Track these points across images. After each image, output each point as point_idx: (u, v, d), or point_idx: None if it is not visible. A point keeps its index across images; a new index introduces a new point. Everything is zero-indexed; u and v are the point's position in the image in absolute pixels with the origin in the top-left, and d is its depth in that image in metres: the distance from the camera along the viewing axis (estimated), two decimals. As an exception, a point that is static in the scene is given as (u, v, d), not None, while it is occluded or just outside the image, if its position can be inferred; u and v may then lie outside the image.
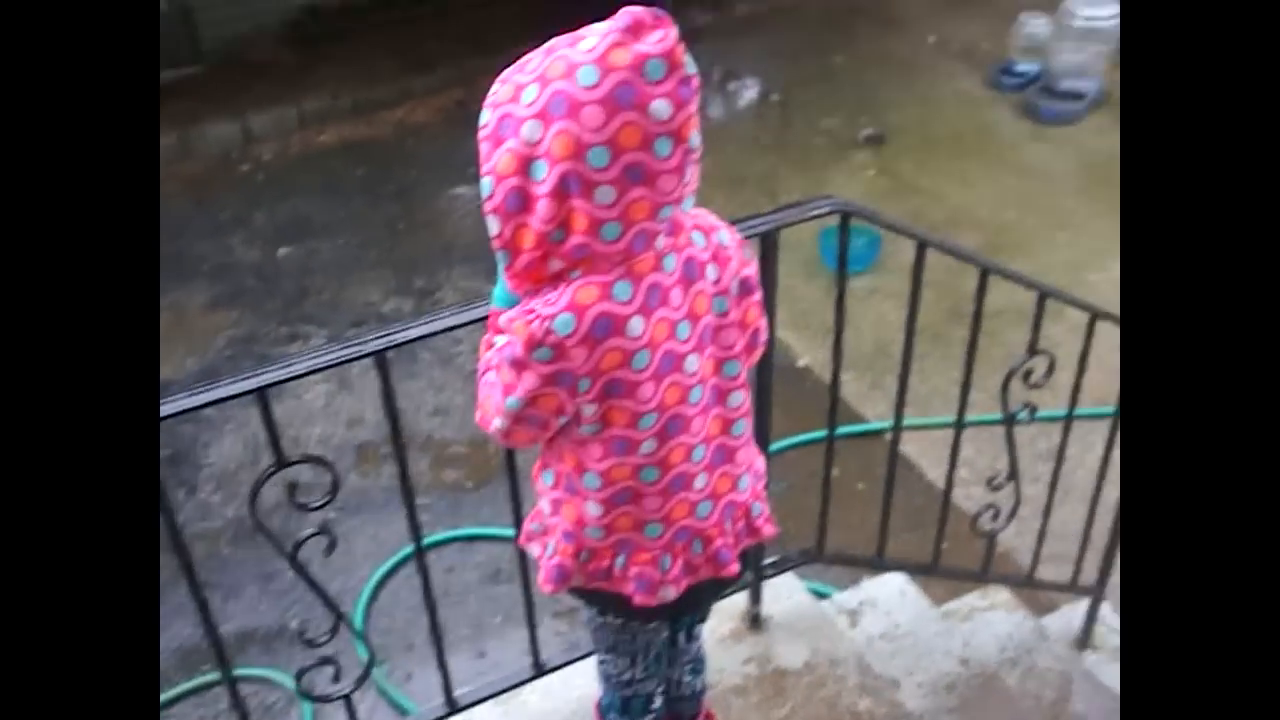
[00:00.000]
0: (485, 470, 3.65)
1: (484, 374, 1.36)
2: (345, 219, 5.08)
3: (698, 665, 1.85)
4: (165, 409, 1.58)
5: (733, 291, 1.34)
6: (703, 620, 1.79)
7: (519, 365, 1.25)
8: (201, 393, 1.60)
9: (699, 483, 1.40)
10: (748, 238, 1.81)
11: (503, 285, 1.34)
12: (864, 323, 4.06)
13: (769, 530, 1.51)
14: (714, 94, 6.07)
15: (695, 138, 1.19)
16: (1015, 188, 5.11)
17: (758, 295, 1.40)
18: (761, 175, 5.21)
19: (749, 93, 6.13)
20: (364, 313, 4.46)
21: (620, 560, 1.43)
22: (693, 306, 1.29)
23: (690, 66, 1.16)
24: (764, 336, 1.45)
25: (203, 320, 4.48)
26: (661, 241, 1.25)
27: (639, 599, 1.43)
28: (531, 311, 1.23)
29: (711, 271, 1.31)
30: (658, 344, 1.26)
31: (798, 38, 6.50)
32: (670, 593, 1.44)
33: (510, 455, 1.91)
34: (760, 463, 1.53)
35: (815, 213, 1.93)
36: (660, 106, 1.14)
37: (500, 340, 1.29)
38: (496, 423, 1.33)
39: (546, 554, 1.48)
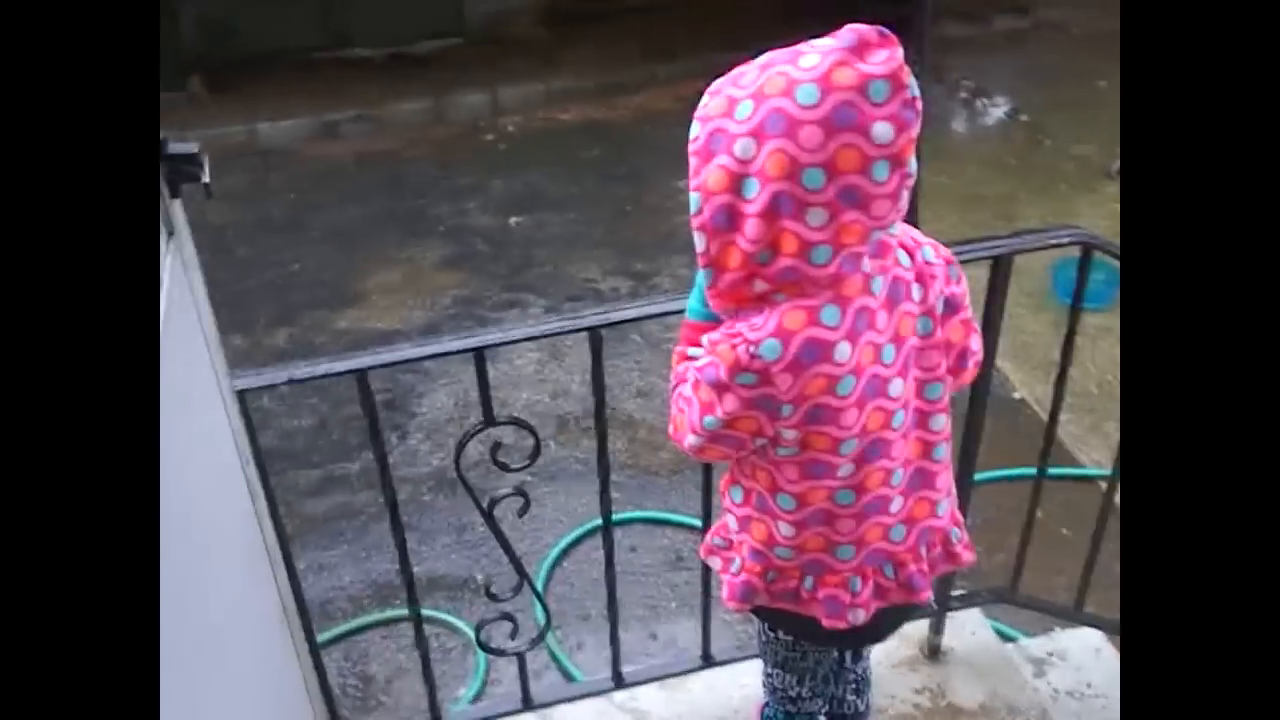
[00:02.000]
0: (680, 457, 3.69)
1: (677, 386, 1.34)
2: (576, 196, 5.24)
3: (861, 685, 1.82)
4: (390, 357, 1.69)
5: (938, 310, 1.29)
6: (877, 641, 1.75)
7: (720, 388, 1.22)
8: (425, 345, 1.70)
9: (895, 506, 1.36)
10: (978, 260, 1.75)
11: (700, 299, 1.33)
12: (1091, 362, 3.85)
13: (968, 557, 1.46)
14: (959, 109, 5.89)
15: (913, 162, 1.15)
16: None
17: (964, 314, 1.35)
18: (1000, 197, 5.02)
19: (997, 111, 5.92)
20: (582, 288, 4.59)
21: (809, 582, 1.40)
22: (898, 329, 1.25)
23: (914, 88, 1.12)
24: (976, 357, 1.39)
25: (433, 277, 4.73)
26: (868, 264, 1.21)
27: (828, 621, 1.40)
28: (737, 335, 1.20)
29: (916, 291, 1.27)
30: (863, 369, 1.22)
31: (1058, 59, 6.21)
32: (860, 615, 1.40)
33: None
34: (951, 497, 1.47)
35: (1054, 241, 1.85)
36: (882, 129, 1.10)
37: (701, 358, 1.27)
38: (690, 440, 1.31)
39: (731, 569, 1.46)
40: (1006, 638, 2.52)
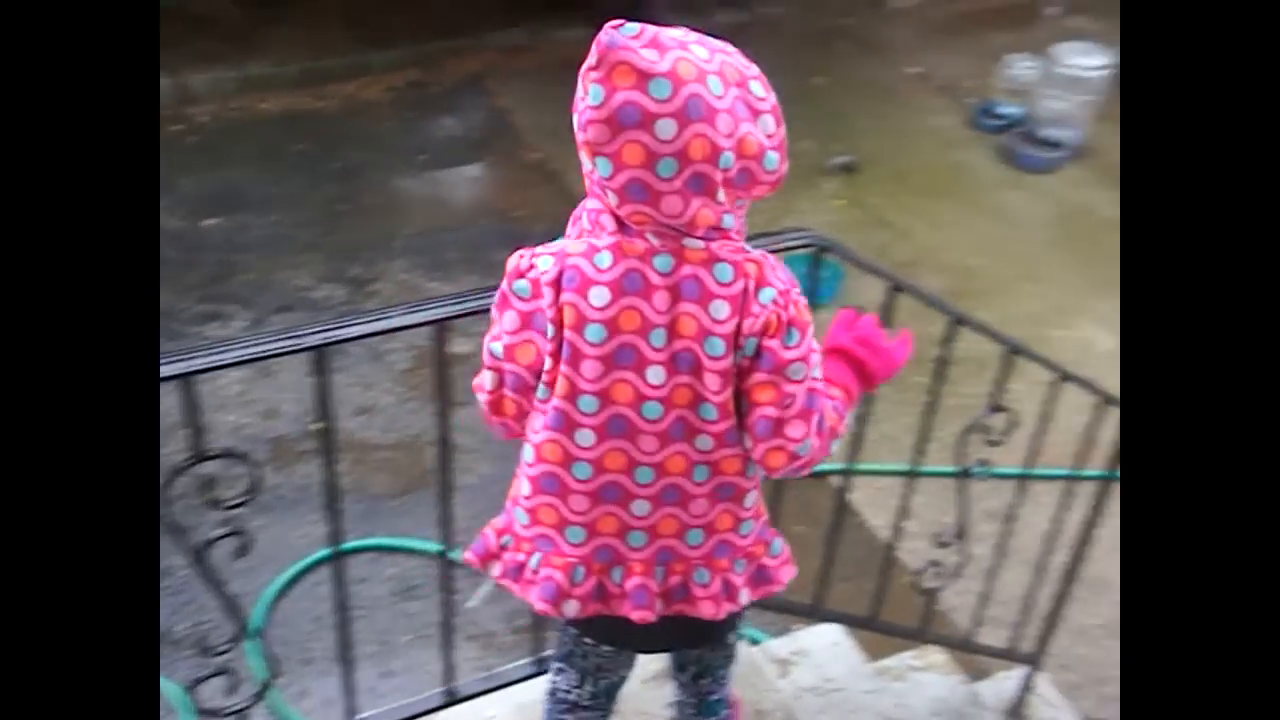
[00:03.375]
0: (409, 477, 3.62)
1: None
2: (281, 195, 5.02)
3: (704, 709, 1.82)
4: None
5: (742, 347, 1.32)
6: (704, 668, 1.77)
7: (502, 302, 1.36)
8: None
9: (638, 508, 1.41)
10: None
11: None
12: (819, 358, 4.11)
13: (706, 609, 1.48)
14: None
15: (721, 158, 1.26)
16: (985, 233, 5.22)
17: (779, 380, 1.33)
18: (726, 193, 5.25)
19: (720, 105, 6.19)
20: (292, 297, 4.42)
21: (535, 559, 1.47)
22: (677, 322, 1.31)
23: (715, 87, 1.24)
24: (789, 447, 1.36)
25: (115, 288, 4.40)
26: (655, 240, 1.29)
27: (540, 605, 1.46)
28: (528, 250, 1.36)
29: (720, 308, 1.31)
30: (619, 329, 1.31)
31: (776, 54, 6.56)
32: (572, 608, 1.46)
33: (444, 463, 1.89)
34: (742, 541, 1.48)
35: (789, 244, 1.96)
36: (664, 125, 1.23)
37: None
38: (479, 397, 1.45)
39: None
40: (752, 641, 2.65)
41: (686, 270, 1.30)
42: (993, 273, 4.93)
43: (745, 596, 1.51)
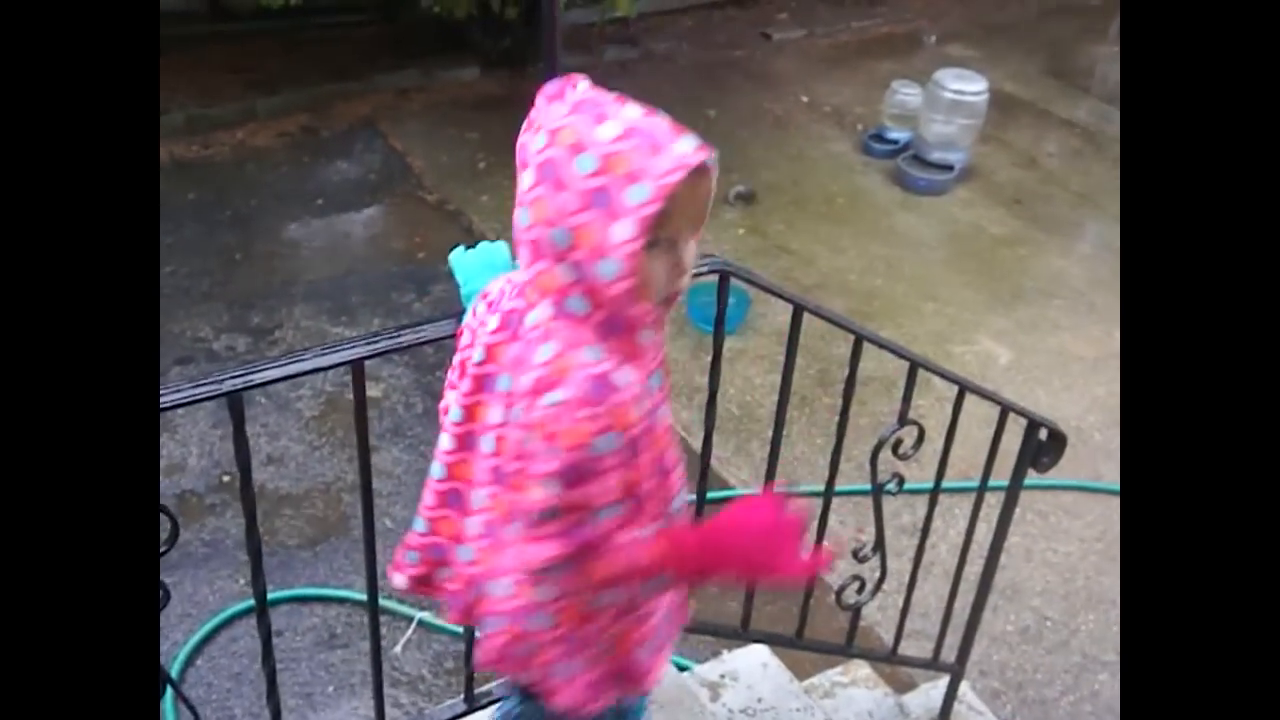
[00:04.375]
0: (322, 526, 3.58)
1: None
2: (174, 245, 4.94)
3: None
4: None
5: (484, 385, 1.37)
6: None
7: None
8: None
9: (429, 498, 1.49)
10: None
11: None
12: (730, 386, 4.18)
13: (452, 616, 1.59)
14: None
15: (518, 213, 1.26)
16: (883, 254, 5.38)
17: (531, 433, 1.24)
18: (628, 226, 5.32)
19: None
20: (192, 349, 4.34)
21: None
22: (473, 337, 1.40)
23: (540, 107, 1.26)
24: (531, 489, 1.26)
25: None
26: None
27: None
28: None
29: (477, 350, 1.37)
30: (458, 346, 1.45)
31: (669, 88, 6.70)
32: (399, 580, 1.55)
33: (369, 505, 1.88)
34: (499, 583, 1.37)
35: (695, 270, 2.01)
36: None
37: None
38: None
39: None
40: (681, 669, 2.68)
41: (491, 303, 1.40)
42: (893, 293, 5.08)
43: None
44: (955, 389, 2.45)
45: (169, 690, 2.13)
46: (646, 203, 1.17)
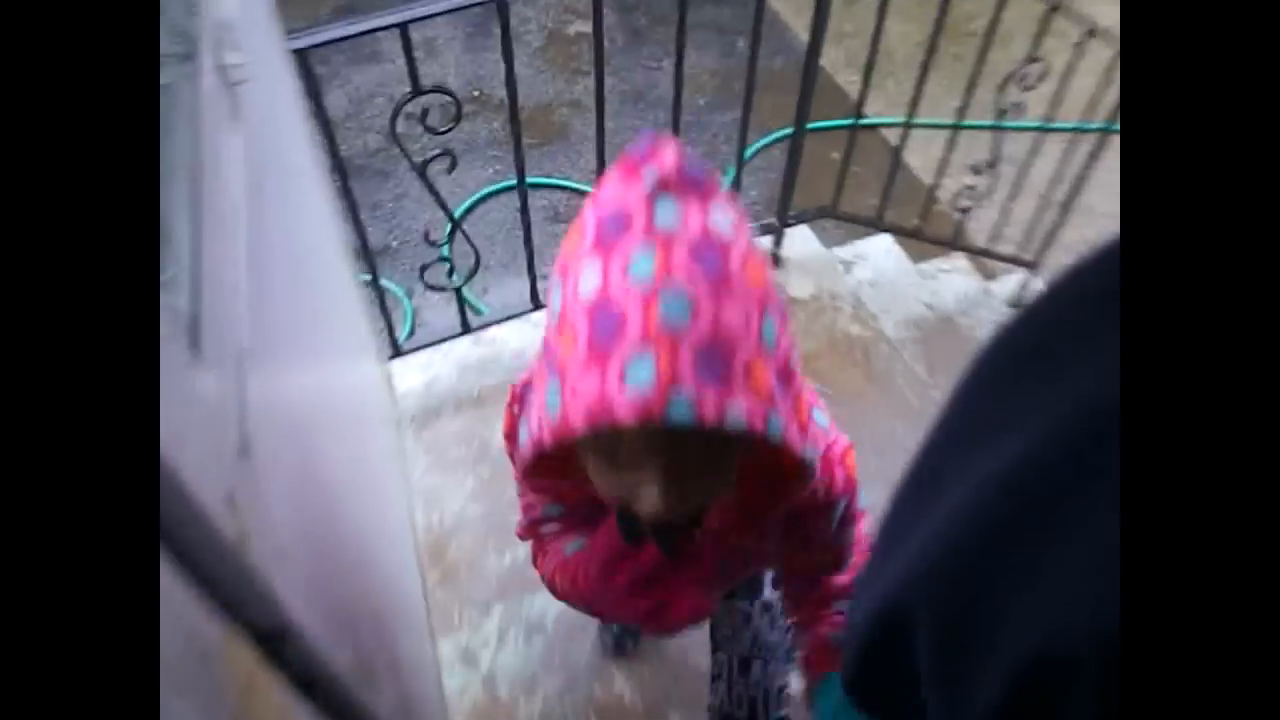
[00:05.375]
0: (548, 130, 3.84)
1: None
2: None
3: None
4: (317, 38, 1.73)
5: None
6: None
7: None
8: (350, 25, 1.76)
9: None
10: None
11: None
12: (867, 27, 4.06)
13: None
14: None
15: None
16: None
17: None
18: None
19: None
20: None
21: None
22: None
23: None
24: None
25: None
26: None
27: None
28: None
29: None
30: None
31: None
32: None
33: (601, 107, 2.05)
34: None
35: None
36: None
37: None
38: None
39: None
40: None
41: None
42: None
43: None
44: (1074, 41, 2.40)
45: (455, 232, 2.44)
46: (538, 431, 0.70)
